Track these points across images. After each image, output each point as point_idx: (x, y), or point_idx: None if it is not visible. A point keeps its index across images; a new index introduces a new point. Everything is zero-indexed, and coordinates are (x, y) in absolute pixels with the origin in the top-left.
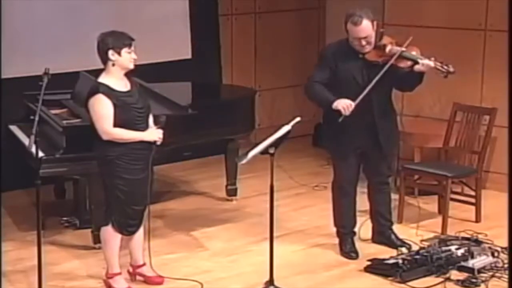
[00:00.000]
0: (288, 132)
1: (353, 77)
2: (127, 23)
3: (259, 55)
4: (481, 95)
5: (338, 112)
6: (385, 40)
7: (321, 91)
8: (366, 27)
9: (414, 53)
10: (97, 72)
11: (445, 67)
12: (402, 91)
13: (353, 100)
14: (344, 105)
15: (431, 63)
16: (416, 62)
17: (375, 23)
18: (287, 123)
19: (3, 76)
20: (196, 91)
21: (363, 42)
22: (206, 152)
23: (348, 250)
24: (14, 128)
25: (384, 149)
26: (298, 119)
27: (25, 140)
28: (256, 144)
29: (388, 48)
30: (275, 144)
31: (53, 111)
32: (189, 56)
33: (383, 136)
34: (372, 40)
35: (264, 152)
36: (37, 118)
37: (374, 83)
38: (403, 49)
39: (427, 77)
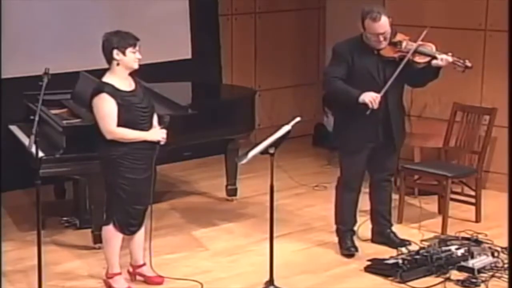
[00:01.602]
0: (288, 132)
1: (369, 73)
2: (127, 23)
3: (259, 55)
4: (481, 95)
5: (364, 105)
6: (399, 36)
7: (343, 86)
8: (385, 23)
9: (430, 47)
10: (98, 72)
11: (462, 61)
12: (414, 86)
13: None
14: (371, 98)
15: (450, 58)
16: (434, 57)
17: (390, 19)
18: (287, 123)
19: (3, 76)
20: (196, 91)
21: (381, 38)
22: (206, 152)
23: (347, 246)
24: (14, 128)
25: (396, 143)
26: (298, 119)
27: (25, 140)
28: (256, 144)
29: (404, 44)
30: (275, 144)
31: (53, 111)
32: (189, 56)
33: (396, 131)
34: (388, 36)
35: (264, 152)
36: (37, 118)
37: (395, 78)
38: (420, 43)
39: None
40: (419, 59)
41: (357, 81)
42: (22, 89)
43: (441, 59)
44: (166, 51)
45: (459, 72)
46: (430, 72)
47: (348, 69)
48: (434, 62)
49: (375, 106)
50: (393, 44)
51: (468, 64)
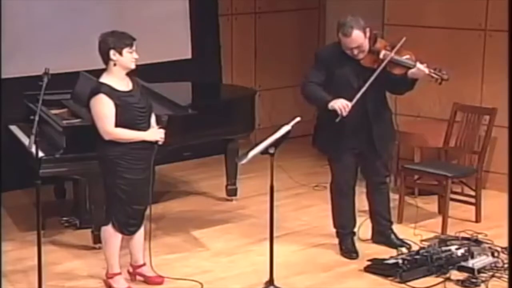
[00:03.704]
0: (288, 132)
1: (348, 81)
2: (127, 23)
3: (259, 55)
4: (481, 95)
5: (334, 112)
6: (379, 43)
7: (317, 91)
8: (357, 37)
9: (407, 57)
10: (97, 72)
11: (439, 73)
12: (391, 93)
13: (349, 101)
14: (341, 105)
15: (425, 70)
16: (409, 67)
17: (367, 30)
18: (287, 123)
19: (3, 76)
20: (196, 91)
21: (355, 52)
22: (206, 152)
23: (348, 250)
24: (14, 128)
25: (378, 149)
26: (298, 119)
27: (25, 140)
28: (256, 144)
29: (382, 54)
30: (275, 144)
31: (53, 111)
32: (189, 56)
33: (377, 136)
34: (365, 48)
35: (264, 152)
36: (37, 118)
37: (368, 86)
38: (396, 51)
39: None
40: (395, 70)
41: (336, 88)
42: (22, 89)
43: (417, 69)
44: (166, 51)
45: (435, 83)
46: (406, 82)
47: (327, 76)
48: (410, 72)
49: (344, 113)
50: (372, 53)
51: (445, 76)
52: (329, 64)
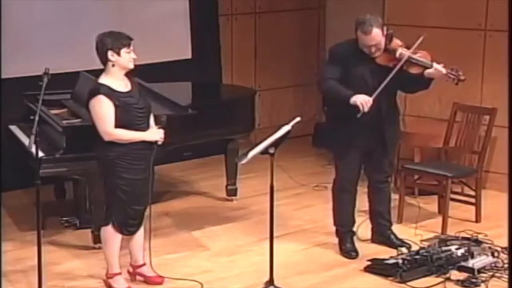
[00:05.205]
0: (288, 132)
1: (364, 79)
2: (127, 23)
3: (259, 55)
4: (481, 95)
5: (356, 107)
6: (395, 43)
7: (337, 86)
8: (376, 35)
9: (423, 54)
10: (97, 72)
11: (456, 74)
12: (405, 92)
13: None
14: (363, 100)
15: (443, 70)
16: (426, 67)
17: (385, 28)
18: (287, 123)
19: (3, 76)
20: (196, 91)
21: (373, 49)
22: (206, 152)
23: (348, 249)
24: (14, 128)
25: (388, 147)
26: (298, 119)
27: (25, 140)
28: (256, 144)
29: (398, 52)
30: (275, 144)
31: (53, 111)
32: (189, 56)
33: (389, 135)
34: (382, 46)
35: (264, 152)
36: (37, 118)
37: (386, 83)
38: (413, 50)
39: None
40: (412, 69)
41: (350, 85)
42: (22, 89)
43: (435, 69)
44: (166, 51)
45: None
46: (421, 82)
47: (343, 72)
48: (426, 72)
49: (366, 109)
50: (388, 52)
51: (462, 77)
52: (344, 61)
